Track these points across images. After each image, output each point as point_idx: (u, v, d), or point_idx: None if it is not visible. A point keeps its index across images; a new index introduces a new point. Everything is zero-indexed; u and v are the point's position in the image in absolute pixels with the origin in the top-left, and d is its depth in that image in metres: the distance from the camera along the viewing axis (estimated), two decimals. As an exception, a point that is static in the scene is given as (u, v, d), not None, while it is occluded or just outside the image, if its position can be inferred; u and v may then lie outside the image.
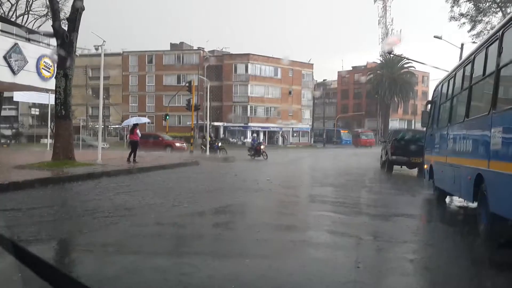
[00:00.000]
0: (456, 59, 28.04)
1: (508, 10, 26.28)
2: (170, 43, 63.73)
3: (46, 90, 22.89)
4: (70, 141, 15.26)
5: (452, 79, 8.48)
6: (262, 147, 25.62)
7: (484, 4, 29.08)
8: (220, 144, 29.86)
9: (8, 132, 56.29)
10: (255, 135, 32.34)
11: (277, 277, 3.95)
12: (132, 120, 20.43)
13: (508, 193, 4.70)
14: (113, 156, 19.54)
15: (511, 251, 5.14)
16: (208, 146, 28.46)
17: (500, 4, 28.48)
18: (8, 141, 45.81)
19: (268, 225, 6.69)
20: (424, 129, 11.93)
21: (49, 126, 31.68)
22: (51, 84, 18.15)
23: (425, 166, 11.04)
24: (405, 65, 64.52)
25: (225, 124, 58.36)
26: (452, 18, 29.37)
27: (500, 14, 27.91)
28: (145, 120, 26.32)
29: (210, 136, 30.66)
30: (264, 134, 58.68)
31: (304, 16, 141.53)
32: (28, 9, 37.72)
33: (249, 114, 59.23)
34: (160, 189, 10.71)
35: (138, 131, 18.36)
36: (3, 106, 33.70)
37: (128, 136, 22.70)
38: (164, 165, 17.01)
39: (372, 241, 5.63)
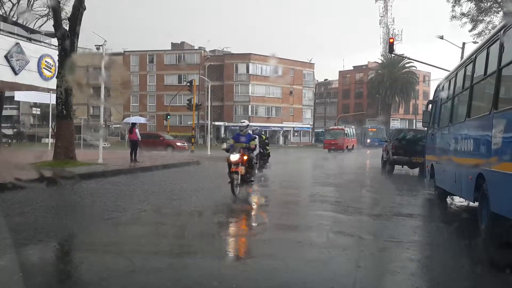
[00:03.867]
0: (457, 59, 28.04)
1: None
2: (171, 43, 63.70)
3: (48, 90, 22.93)
4: (71, 141, 15.29)
5: (453, 78, 8.47)
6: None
7: (485, 4, 29.04)
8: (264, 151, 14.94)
9: (9, 132, 56.34)
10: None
11: (278, 277, 3.95)
12: (132, 119, 20.47)
13: (509, 192, 4.69)
14: (114, 156, 19.54)
15: (512, 251, 5.14)
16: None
17: (501, 3, 28.43)
18: (10, 141, 45.87)
19: (269, 225, 6.69)
20: (425, 128, 11.92)
21: (50, 126, 31.70)
22: (53, 83, 18.18)
23: (426, 166, 11.03)
24: (406, 65, 64.50)
25: (226, 123, 58.39)
26: (454, 17, 29.36)
27: (501, 13, 27.85)
28: (143, 120, 26.09)
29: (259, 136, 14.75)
30: (266, 134, 58.66)
31: (305, 15, 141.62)
32: (30, 9, 37.74)
33: (250, 113, 59.24)
34: (160, 189, 10.71)
35: (137, 130, 18.38)
36: (4, 106, 33.71)
37: (128, 135, 22.73)
38: (165, 165, 16.99)
39: (373, 241, 5.63)
